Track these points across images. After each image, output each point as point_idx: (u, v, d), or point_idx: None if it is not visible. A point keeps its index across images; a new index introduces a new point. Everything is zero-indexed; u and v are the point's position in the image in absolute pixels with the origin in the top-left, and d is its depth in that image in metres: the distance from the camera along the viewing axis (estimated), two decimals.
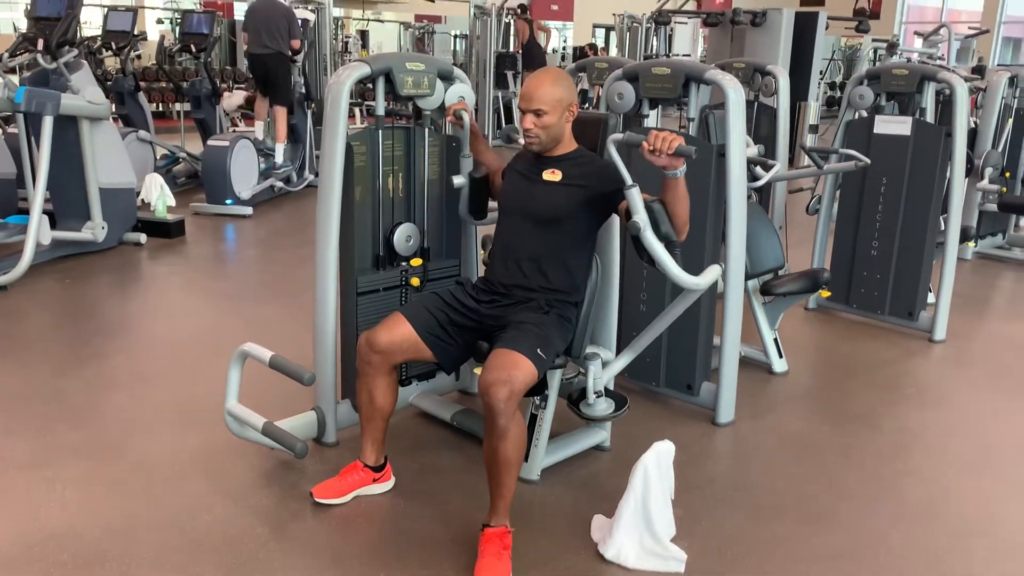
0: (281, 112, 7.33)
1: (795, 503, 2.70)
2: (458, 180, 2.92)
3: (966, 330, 4.42)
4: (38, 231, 4.70)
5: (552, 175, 2.53)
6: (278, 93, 7.31)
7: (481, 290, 2.60)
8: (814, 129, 9.44)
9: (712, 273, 2.60)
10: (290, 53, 7.29)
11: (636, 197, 2.34)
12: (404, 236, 2.94)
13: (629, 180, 2.34)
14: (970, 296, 5.07)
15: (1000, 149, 5.76)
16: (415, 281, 3.00)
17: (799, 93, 9.57)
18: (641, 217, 2.33)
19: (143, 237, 5.59)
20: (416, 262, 3.01)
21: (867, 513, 2.64)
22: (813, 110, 9.60)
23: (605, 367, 2.72)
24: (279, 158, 7.37)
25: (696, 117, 3.29)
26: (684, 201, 2.36)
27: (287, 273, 5.19)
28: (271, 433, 2.58)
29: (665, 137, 2.24)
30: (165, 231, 5.80)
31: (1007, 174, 5.89)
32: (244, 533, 2.42)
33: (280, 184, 7.30)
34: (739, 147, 2.98)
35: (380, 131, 2.88)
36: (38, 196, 4.72)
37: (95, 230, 5.17)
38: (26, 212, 4.82)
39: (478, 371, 2.53)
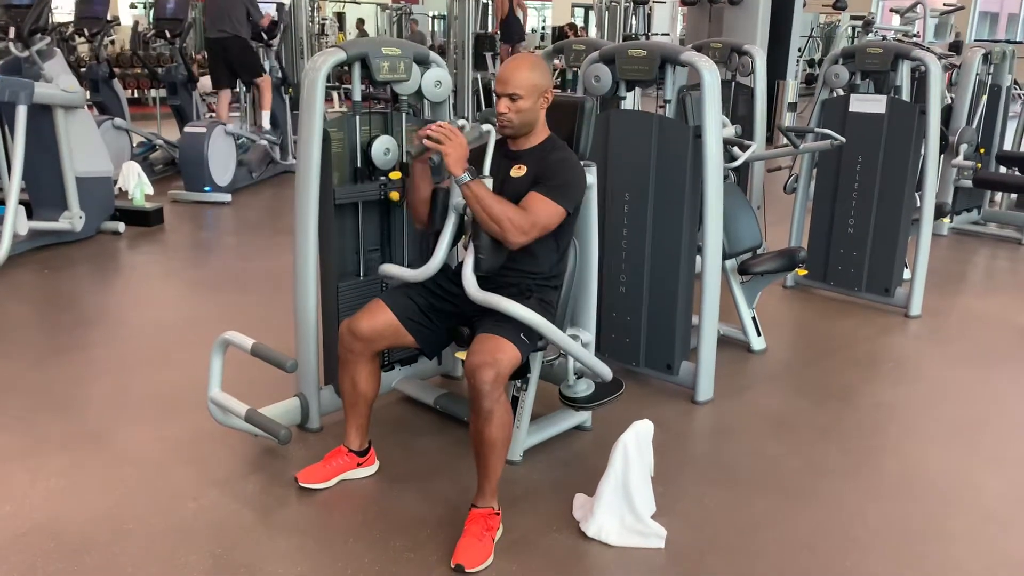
0: (264, 81, 7.32)
1: (773, 479, 2.74)
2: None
3: (941, 305, 4.49)
4: (15, 222, 4.66)
5: (518, 171, 2.51)
6: (248, 70, 7.31)
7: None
8: (793, 107, 9.44)
9: (494, 300, 2.38)
10: (249, 36, 7.24)
11: (477, 187, 2.35)
12: (382, 148, 2.90)
13: (466, 177, 2.33)
14: (946, 272, 5.14)
15: (975, 125, 5.82)
16: (394, 195, 2.94)
17: (777, 71, 9.58)
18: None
19: (121, 226, 5.55)
20: (395, 175, 2.95)
21: (845, 488, 2.70)
22: (792, 88, 9.62)
23: (586, 348, 2.74)
24: (266, 123, 7.37)
25: (673, 98, 3.32)
26: (479, 212, 2.34)
27: (267, 260, 5.18)
28: (254, 420, 2.59)
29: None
30: (143, 219, 5.76)
31: (982, 150, 5.96)
32: (230, 519, 2.44)
33: (266, 141, 7.28)
34: (715, 128, 3.01)
35: (357, 117, 2.88)
36: (14, 186, 4.69)
37: (72, 220, 5.13)
38: (2, 203, 4.79)
39: (461, 356, 2.55)
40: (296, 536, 2.38)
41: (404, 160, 2.91)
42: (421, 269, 2.52)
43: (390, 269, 2.65)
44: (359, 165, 2.92)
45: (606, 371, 2.73)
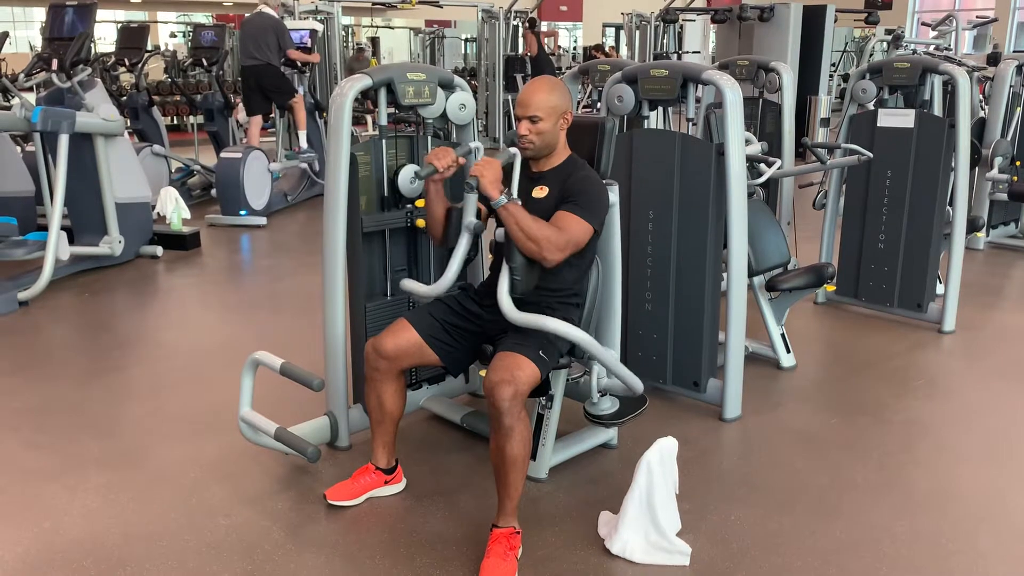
0: (297, 102, 7.52)
1: (801, 496, 2.73)
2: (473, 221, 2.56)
3: (976, 320, 4.42)
4: (57, 247, 4.80)
5: (540, 192, 2.54)
6: (280, 95, 7.48)
7: (484, 295, 2.65)
8: (825, 123, 9.39)
9: (534, 319, 2.39)
10: (281, 63, 7.43)
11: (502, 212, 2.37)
12: (408, 177, 2.96)
13: (503, 199, 2.37)
14: (981, 286, 5.06)
15: (1009, 138, 5.74)
16: (420, 223, 2.97)
17: (810, 87, 9.55)
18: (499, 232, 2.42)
19: (159, 250, 5.69)
20: (421, 203, 2.98)
21: (873, 505, 2.67)
22: (824, 103, 9.57)
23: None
24: (303, 142, 7.56)
25: (696, 117, 3.34)
26: (516, 232, 2.35)
27: (301, 281, 5.26)
28: (283, 438, 2.64)
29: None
30: (181, 243, 5.90)
31: (1017, 163, 5.87)
32: (260, 536, 2.48)
33: (304, 166, 7.60)
34: (738, 145, 3.02)
35: (384, 140, 2.94)
36: (56, 213, 4.83)
37: (112, 244, 5.27)
38: (45, 229, 4.93)
39: (484, 373, 2.58)
40: (324, 553, 2.41)
41: (412, 181, 2.97)
42: (434, 285, 2.57)
43: (409, 285, 2.68)
44: (386, 194, 2.98)
45: (638, 384, 2.72)
